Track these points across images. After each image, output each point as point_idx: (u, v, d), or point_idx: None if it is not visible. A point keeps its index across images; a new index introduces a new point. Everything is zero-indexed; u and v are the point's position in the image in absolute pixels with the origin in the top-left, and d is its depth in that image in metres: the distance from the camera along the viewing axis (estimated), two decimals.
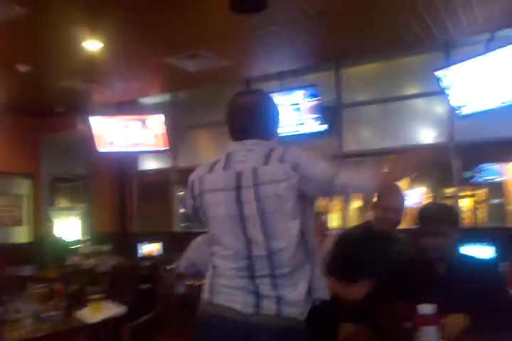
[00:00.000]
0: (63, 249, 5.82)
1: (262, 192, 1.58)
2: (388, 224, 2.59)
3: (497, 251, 3.96)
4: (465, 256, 2.07)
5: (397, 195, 2.60)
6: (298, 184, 1.56)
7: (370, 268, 2.34)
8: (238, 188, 1.61)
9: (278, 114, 1.84)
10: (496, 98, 4.41)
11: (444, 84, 4.67)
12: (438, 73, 4.69)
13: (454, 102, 4.70)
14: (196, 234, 3.81)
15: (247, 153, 1.67)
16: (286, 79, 5.85)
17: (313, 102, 5.46)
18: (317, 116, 5.46)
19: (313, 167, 1.59)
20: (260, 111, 1.75)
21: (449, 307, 1.72)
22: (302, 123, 5.53)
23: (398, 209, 2.58)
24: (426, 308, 1.68)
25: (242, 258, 1.59)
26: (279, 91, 5.48)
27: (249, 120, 1.73)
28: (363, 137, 5.67)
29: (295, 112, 5.56)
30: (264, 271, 1.57)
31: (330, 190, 1.59)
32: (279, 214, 1.58)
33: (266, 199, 1.57)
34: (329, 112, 5.53)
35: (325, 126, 5.44)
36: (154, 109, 6.81)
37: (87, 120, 6.49)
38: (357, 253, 2.54)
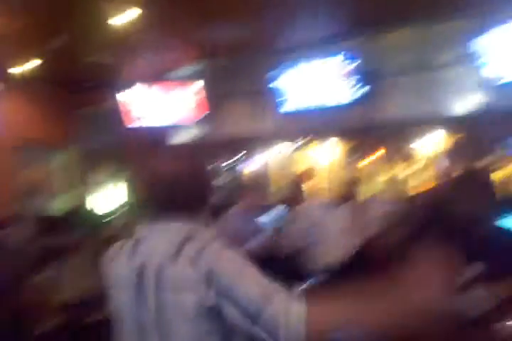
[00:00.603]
0: (99, 218, 6.01)
1: (164, 302, 1.17)
2: None
3: None
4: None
5: None
6: (213, 303, 1.10)
7: None
8: (139, 288, 1.21)
9: (208, 180, 1.41)
10: None
11: (480, 51, 4.58)
12: (474, 40, 4.59)
13: (490, 70, 4.61)
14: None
15: (157, 238, 1.25)
16: (323, 47, 5.80)
17: (351, 67, 5.42)
18: (355, 82, 5.43)
19: (234, 282, 1.10)
20: (183, 178, 1.29)
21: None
22: (340, 90, 5.51)
23: None
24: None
25: None
26: (317, 57, 5.45)
27: (167, 190, 1.29)
28: (399, 105, 5.61)
29: (333, 79, 5.53)
30: None
31: (257, 328, 1.05)
32: (182, 337, 1.16)
33: (167, 313, 1.16)
34: (365, 80, 5.48)
35: (362, 93, 5.42)
36: (185, 80, 6.83)
37: (117, 96, 6.57)
38: None
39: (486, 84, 4.84)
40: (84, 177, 7.51)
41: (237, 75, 6.44)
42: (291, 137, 6.56)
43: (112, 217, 6.57)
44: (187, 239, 1.19)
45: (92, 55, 5.85)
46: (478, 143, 5.13)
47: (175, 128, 7.11)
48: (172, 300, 1.15)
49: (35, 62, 6.20)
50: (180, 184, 1.28)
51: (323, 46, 5.79)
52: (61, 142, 7.34)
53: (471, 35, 4.63)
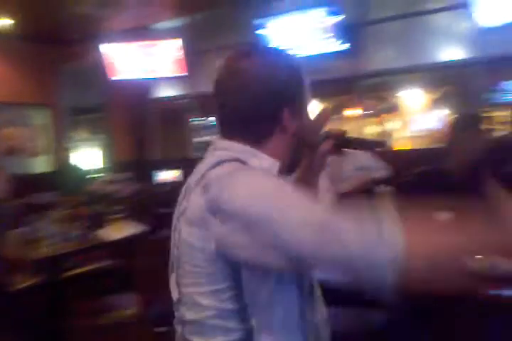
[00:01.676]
0: (81, 177, 5.95)
1: (180, 235, 1.00)
2: None
3: None
4: None
5: None
6: (219, 237, 0.90)
7: None
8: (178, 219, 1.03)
9: (281, 94, 1.01)
10: None
11: None
12: None
13: (477, 15, 4.43)
14: None
15: (204, 159, 1.04)
16: None
17: (334, 20, 5.20)
18: (338, 34, 5.21)
19: (253, 208, 0.85)
20: (249, 89, 1.00)
21: None
22: (323, 43, 5.31)
23: None
24: None
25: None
26: (297, 9, 5.22)
27: (230, 103, 1.03)
28: (385, 55, 5.42)
29: (315, 32, 5.32)
30: None
31: (289, 261, 0.84)
32: (191, 274, 0.99)
33: (180, 247, 1.00)
34: (349, 30, 5.27)
35: (347, 45, 5.21)
36: (168, 33, 6.59)
37: (101, 48, 6.36)
38: None
39: (475, 31, 4.65)
40: (66, 136, 7.37)
41: (219, 29, 6.21)
42: None
43: (95, 175, 6.52)
44: (216, 164, 0.96)
45: (71, 6, 5.58)
46: (468, 90, 5.01)
47: (158, 82, 6.92)
48: (184, 236, 0.97)
49: (11, 17, 5.93)
50: (247, 91, 1.00)
51: None
52: (42, 99, 7.14)
53: None
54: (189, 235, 0.95)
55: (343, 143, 1.13)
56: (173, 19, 6.50)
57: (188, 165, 6.40)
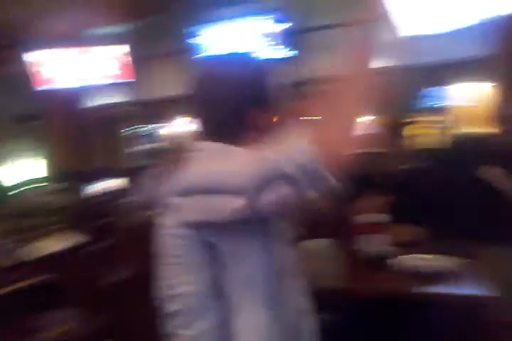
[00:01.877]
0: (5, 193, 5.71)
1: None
2: None
3: None
4: None
5: None
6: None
7: None
8: None
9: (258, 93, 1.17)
10: (440, 22, 4.42)
11: (390, 6, 4.58)
12: None
13: (399, 25, 4.66)
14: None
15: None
16: (250, 4, 5.58)
17: (280, 27, 5.29)
18: (285, 41, 5.32)
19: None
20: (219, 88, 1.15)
21: None
22: (269, 51, 5.38)
23: None
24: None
25: None
26: (243, 16, 5.26)
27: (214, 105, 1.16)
28: (329, 62, 5.52)
29: (261, 39, 5.39)
30: None
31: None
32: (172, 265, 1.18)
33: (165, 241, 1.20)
34: (297, 37, 5.38)
35: (293, 52, 5.32)
36: (111, 39, 6.42)
37: (25, 56, 6.10)
38: None
39: (404, 40, 4.88)
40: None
41: (158, 36, 6.15)
42: None
43: (21, 189, 6.24)
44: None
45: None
46: (396, 97, 5.25)
47: (94, 89, 6.74)
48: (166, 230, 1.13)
49: None
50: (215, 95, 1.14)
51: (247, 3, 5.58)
52: None
53: None
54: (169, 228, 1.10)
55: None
56: (113, 25, 6.36)
57: (127, 173, 6.30)
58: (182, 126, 6.74)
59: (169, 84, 6.19)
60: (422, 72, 4.98)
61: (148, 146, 6.77)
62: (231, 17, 5.54)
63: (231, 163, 1.00)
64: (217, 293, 1.06)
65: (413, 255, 1.98)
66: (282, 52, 5.37)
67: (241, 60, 1.21)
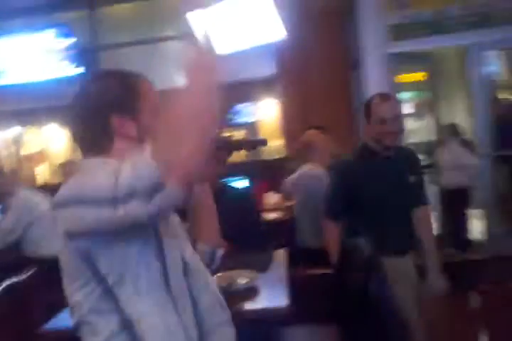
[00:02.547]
0: None
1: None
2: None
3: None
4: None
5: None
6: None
7: None
8: None
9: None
10: (244, 40, 4.69)
11: (196, 26, 4.75)
12: (190, 15, 4.73)
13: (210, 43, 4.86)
14: None
15: None
16: (34, 17, 5.21)
17: (66, 43, 5.01)
18: (72, 58, 5.04)
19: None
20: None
21: None
22: (54, 67, 5.06)
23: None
24: None
25: None
26: (24, 30, 4.88)
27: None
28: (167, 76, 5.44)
29: (46, 55, 5.04)
30: None
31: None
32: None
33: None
34: (85, 55, 5.16)
35: (81, 70, 5.07)
36: None
37: None
38: None
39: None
40: None
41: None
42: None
43: None
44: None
45: None
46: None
47: None
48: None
49: None
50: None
51: (33, 17, 5.23)
52: None
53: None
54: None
55: (225, 145, 1.30)
56: None
57: None
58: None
59: None
60: (232, 89, 5.23)
61: None
62: (13, 31, 5.14)
63: (89, 177, 1.05)
64: (112, 301, 1.07)
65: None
66: (70, 69, 5.11)
67: (97, 75, 1.30)
